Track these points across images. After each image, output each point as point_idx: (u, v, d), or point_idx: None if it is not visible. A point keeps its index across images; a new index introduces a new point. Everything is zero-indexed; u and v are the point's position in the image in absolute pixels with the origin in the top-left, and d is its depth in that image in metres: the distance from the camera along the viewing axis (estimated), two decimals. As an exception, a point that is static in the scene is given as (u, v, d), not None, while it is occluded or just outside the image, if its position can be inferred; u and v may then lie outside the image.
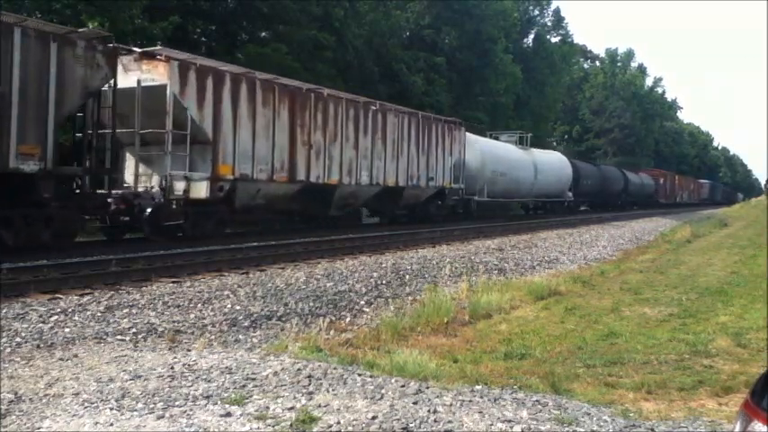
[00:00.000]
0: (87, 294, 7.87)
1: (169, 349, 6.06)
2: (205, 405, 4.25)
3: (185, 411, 4.11)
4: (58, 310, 7.05)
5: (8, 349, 5.81)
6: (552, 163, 33.28)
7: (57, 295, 7.72)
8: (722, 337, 7.28)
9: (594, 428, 4.28)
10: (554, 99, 50.44)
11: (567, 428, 4.17)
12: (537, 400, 4.82)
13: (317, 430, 3.86)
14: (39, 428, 3.84)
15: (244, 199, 14.82)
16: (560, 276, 12.48)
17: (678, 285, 11.60)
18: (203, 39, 23.90)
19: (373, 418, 4.06)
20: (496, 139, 30.24)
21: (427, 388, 4.83)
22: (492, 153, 26.92)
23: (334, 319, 8.16)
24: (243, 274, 10.02)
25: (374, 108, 19.03)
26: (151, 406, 4.20)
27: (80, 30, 11.83)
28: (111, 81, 11.60)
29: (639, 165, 65.70)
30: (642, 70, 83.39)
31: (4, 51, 9.83)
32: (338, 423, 3.94)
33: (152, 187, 13.23)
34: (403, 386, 4.81)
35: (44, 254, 9.96)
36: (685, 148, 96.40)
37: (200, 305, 7.90)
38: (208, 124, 13.52)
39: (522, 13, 45.86)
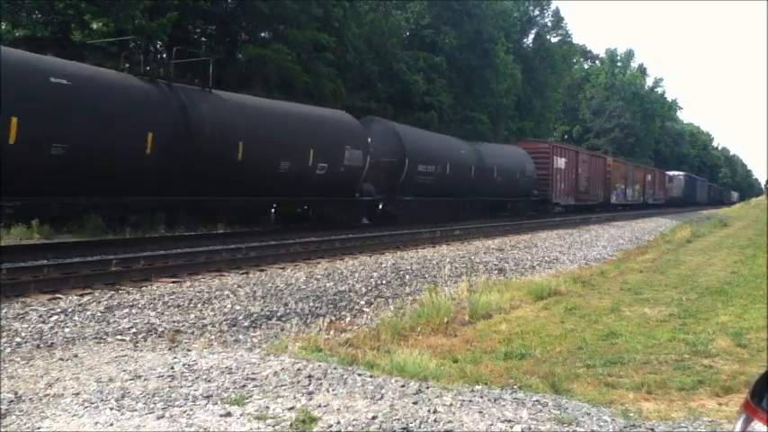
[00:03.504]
0: (87, 294, 7.86)
1: (169, 349, 6.06)
2: (205, 405, 4.25)
3: (185, 411, 4.11)
4: (58, 310, 7.05)
5: (8, 349, 5.81)
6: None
7: (57, 295, 7.72)
8: (722, 337, 7.28)
9: (594, 428, 4.28)
10: (554, 99, 50.34)
11: (566, 428, 4.16)
12: (537, 400, 4.82)
13: (317, 430, 3.85)
14: (39, 428, 3.84)
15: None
16: (560, 276, 12.48)
17: (678, 285, 11.60)
18: (203, 39, 23.87)
19: (373, 418, 4.06)
20: None
21: (427, 388, 4.83)
22: None
23: (334, 319, 8.16)
24: (243, 274, 10.01)
25: None
26: (151, 406, 4.20)
27: None
28: None
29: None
30: (642, 70, 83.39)
31: None
32: (338, 423, 3.94)
33: None
34: (403, 386, 4.81)
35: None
36: (685, 148, 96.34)
37: (200, 305, 7.89)
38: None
39: (522, 14, 45.82)
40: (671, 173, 62.40)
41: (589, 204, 36.43)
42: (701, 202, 68.79)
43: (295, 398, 4.42)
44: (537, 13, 49.07)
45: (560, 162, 31.75)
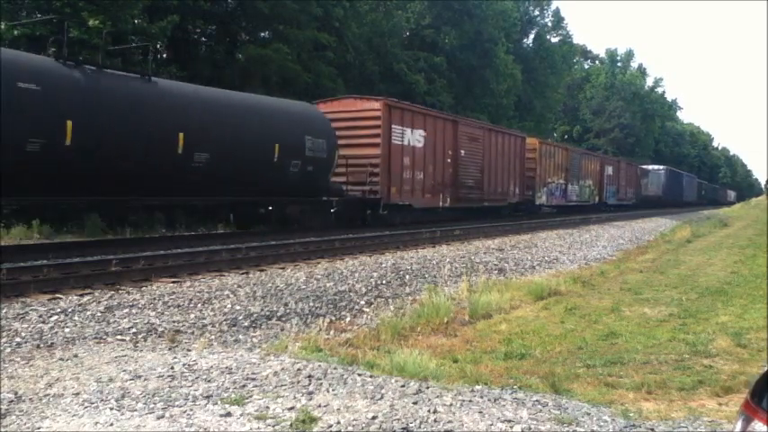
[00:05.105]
0: (87, 294, 7.86)
1: (169, 349, 6.06)
2: (205, 405, 4.25)
3: (185, 411, 4.11)
4: (58, 310, 7.05)
5: (8, 349, 5.81)
6: None
7: (57, 295, 7.72)
8: (722, 337, 7.28)
9: (594, 428, 4.28)
10: (554, 99, 50.34)
11: (566, 428, 4.16)
12: (537, 400, 4.82)
13: (317, 430, 3.85)
14: (39, 428, 3.84)
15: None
16: (560, 276, 12.48)
17: (678, 285, 11.60)
18: (203, 39, 23.89)
19: (373, 418, 4.06)
20: None
21: (427, 388, 4.83)
22: None
23: (334, 319, 8.16)
24: (243, 274, 10.01)
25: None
26: (151, 406, 4.20)
27: None
28: None
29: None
30: (642, 70, 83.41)
31: None
32: (338, 423, 3.94)
33: None
34: (403, 386, 4.81)
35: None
36: (685, 149, 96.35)
37: (200, 305, 7.89)
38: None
39: (523, 14, 45.87)
40: (647, 166, 50.82)
41: (488, 206, 24.16)
42: (689, 202, 58.46)
43: (295, 398, 4.42)
44: (537, 13, 49.17)
45: (413, 136, 18.82)
